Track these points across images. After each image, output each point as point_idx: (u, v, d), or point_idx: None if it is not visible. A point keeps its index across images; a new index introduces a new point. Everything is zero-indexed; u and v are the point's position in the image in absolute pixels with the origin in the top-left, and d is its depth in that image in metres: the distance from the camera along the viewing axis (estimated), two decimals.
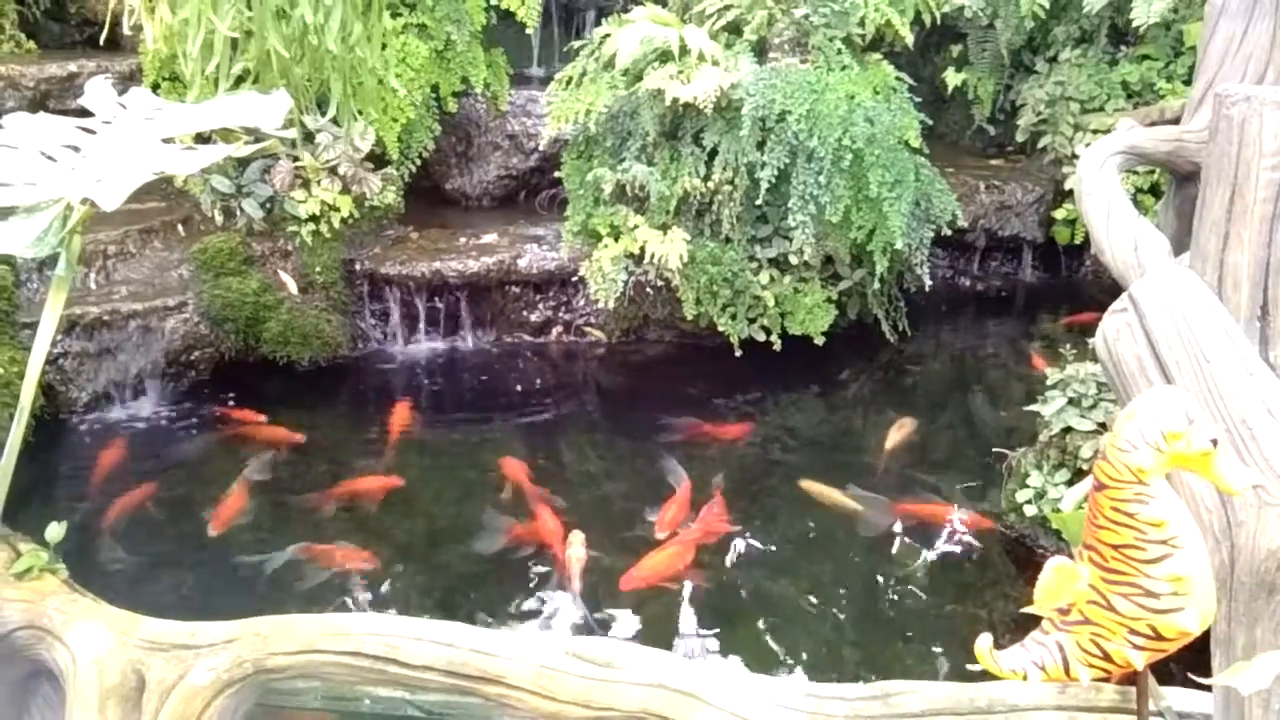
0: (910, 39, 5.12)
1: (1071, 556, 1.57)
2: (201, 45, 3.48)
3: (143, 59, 4.94)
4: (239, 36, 3.76)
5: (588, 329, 5.11)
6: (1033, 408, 3.38)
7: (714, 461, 4.09)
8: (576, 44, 5.19)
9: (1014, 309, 5.96)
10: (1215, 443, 1.26)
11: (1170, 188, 3.86)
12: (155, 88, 4.85)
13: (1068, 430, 3.16)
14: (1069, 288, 6.00)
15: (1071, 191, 5.20)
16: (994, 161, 6.27)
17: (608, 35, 4.92)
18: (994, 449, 3.68)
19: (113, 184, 2.23)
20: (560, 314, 5.13)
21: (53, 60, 5.01)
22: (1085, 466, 3.05)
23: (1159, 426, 1.27)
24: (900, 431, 4.25)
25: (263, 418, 4.17)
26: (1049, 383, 3.33)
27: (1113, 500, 1.33)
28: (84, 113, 2.42)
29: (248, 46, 3.81)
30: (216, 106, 2.54)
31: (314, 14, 3.63)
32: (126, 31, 4.31)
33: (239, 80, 4.12)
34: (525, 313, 5.11)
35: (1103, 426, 3.07)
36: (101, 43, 4.46)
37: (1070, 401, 3.17)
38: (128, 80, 4.93)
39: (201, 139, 3.36)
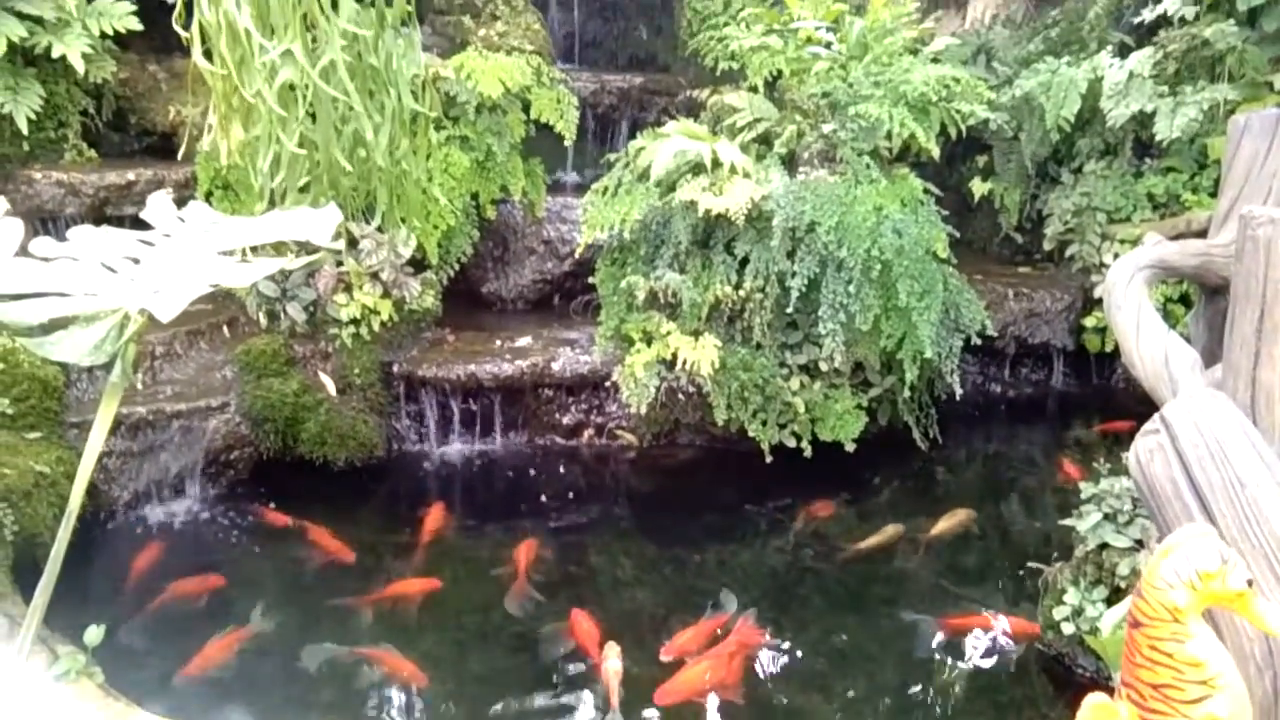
0: (936, 151, 5.24)
1: (1110, 678, 1.55)
2: (271, 161, 3.66)
3: (197, 168, 5.17)
4: (303, 153, 3.93)
5: (619, 432, 5.15)
6: (1067, 521, 3.35)
7: (745, 570, 4.07)
8: (612, 156, 5.37)
9: (1046, 416, 5.94)
10: (1251, 584, 1.26)
11: (1200, 299, 3.89)
12: (209, 196, 5.06)
13: (1104, 546, 3.13)
14: (1101, 395, 5.98)
15: (1101, 300, 5.23)
16: (1022, 269, 6.33)
17: (642, 148, 5.09)
18: (1029, 562, 3.63)
19: (170, 296, 2.34)
20: (592, 417, 5.18)
21: (112, 169, 5.24)
22: (1123, 584, 3.01)
23: (1193, 565, 1.28)
24: (951, 520, 4.29)
25: (310, 526, 4.19)
26: (1083, 496, 3.31)
27: (1150, 639, 1.33)
28: (138, 219, 2.56)
29: (307, 160, 3.98)
30: (271, 221, 2.67)
31: (369, 130, 3.80)
32: (202, 144, 4.53)
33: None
34: (558, 415, 5.17)
35: (1139, 543, 3.04)
36: (179, 156, 4.68)
37: (1105, 517, 3.14)
38: (182, 188, 5.15)
39: (253, 249, 3.49)
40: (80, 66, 4.98)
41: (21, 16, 4.87)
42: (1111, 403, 5.72)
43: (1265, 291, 2.53)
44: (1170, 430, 2.05)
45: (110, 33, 5.17)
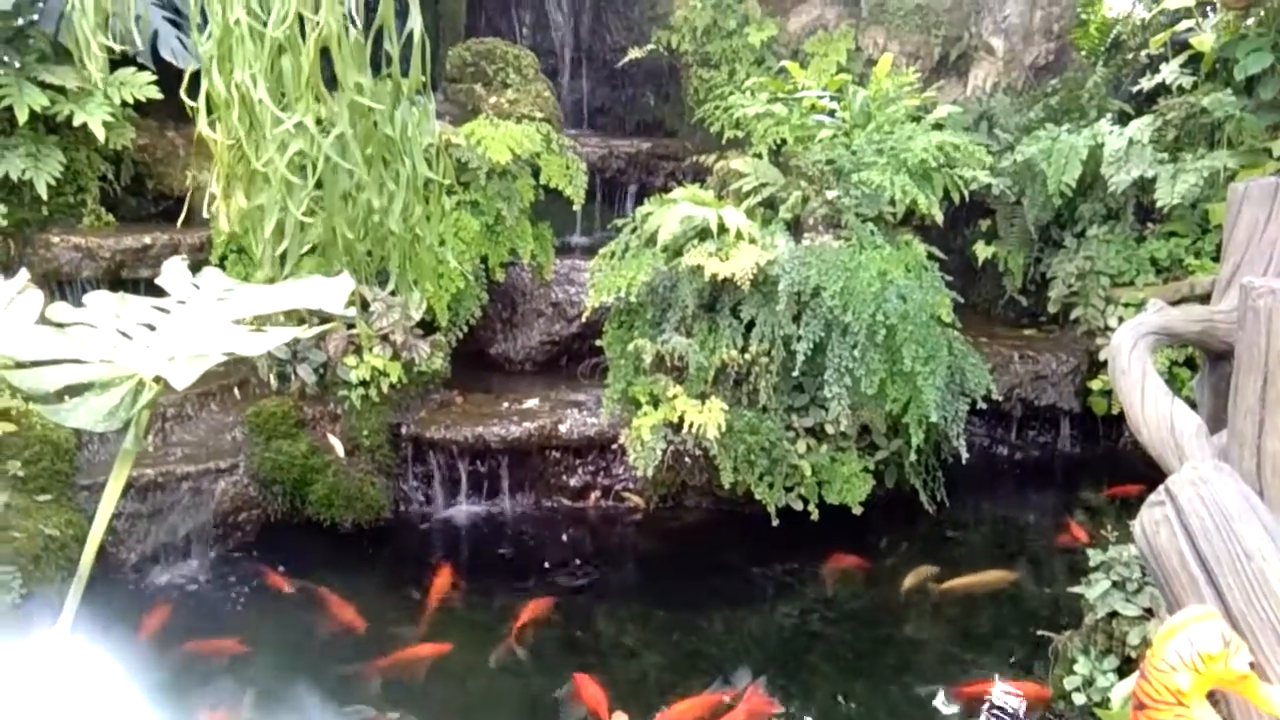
0: (939, 216, 5.31)
1: None
2: (274, 229, 3.71)
3: (212, 233, 5.26)
4: (310, 221, 4.00)
5: (626, 494, 5.15)
6: (1076, 589, 3.33)
7: (753, 635, 4.04)
8: (620, 221, 5.45)
9: (1054, 479, 5.92)
10: (1253, 666, 1.27)
11: (1205, 364, 3.91)
12: (223, 259, 5.15)
13: (1113, 614, 3.11)
14: (1109, 457, 5.96)
15: (1106, 362, 5.24)
16: (1027, 331, 6.36)
17: (650, 213, 5.17)
18: (1039, 630, 3.60)
19: (185, 363, 2.38)
20: (599, 479, 5.18)
21: (129, 233, 5.32)
22: (1133, 653, 2.99)
23: (1196, 648, 1.29)
24: (978, 576, 4.35)
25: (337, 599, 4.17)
26: (1092, 563, 3.30)
27: None
28: (152, 283, 2.61)
29: (313, 227, 4.04)
30: (285, 290, 2.71)
31: (378, 199, 3.87)
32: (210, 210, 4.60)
33: (301, 256, 4.36)
34: (565, 477, 5.17)
35: (1149, 612, 3.02)
36: (179, 224, 4.75)
37: (1114, 584, 3.12)
38: (197, 251, 5.23)
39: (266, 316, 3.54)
40: (101, 134, 5.09)
41: (44, 86, 5.00)
42: (1119, 465, 5.69)
43: (1268, 361, 2.55)
44: (1175, 502, 2.06)
45: (131, 101, 5.30)
